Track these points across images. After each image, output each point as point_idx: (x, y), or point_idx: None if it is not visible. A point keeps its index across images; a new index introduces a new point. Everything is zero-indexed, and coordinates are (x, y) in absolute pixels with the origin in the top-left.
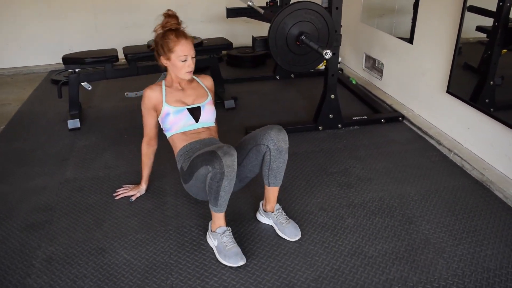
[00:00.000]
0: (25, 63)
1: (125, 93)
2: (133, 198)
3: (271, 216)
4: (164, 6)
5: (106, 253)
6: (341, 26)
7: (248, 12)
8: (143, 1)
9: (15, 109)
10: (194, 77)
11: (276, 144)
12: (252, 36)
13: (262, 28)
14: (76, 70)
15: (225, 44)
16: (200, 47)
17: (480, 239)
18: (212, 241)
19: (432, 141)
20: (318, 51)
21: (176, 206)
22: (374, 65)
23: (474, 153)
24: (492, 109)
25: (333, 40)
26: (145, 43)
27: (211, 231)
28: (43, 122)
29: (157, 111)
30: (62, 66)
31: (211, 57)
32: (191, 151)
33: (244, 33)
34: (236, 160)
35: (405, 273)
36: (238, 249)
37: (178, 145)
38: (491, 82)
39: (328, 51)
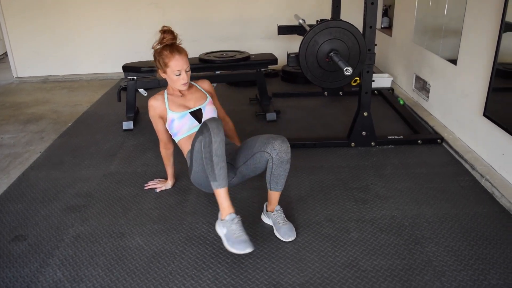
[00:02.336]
0: (102, 70)
1: None
2: (158, 190)
3: (270, 216)
4: (229, 22)
5: (124, 237)
6: (376, 45)
7: (299, 30)
8: (208, 16)
9: (84, 109)
10: (192, 83)
11: (278, 154)
12: (287, 52)
13: None
14: (134, 77)
15: (270, 59)
16: (246, 61)
17: (488, 267)
18: (221, 230)
19: (466, 166)
20: (340, 66)
21: (196, 204)
22: (424, 86)
23: (507, 180)
24: None
25: (364, 58)
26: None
27: (221, 219)
28: (103, 122)
29: (163, 118)
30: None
31: (258, 71)
32: None
33: (284, 49)
34: (221, 126)
35: None
36: (247, 237)
37: (185, 148)
38: None
39: (349, 68)
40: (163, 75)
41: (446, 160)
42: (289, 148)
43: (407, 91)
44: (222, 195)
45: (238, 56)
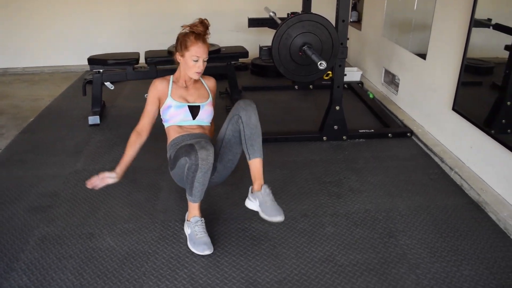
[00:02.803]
0: (64, 62)
1: (145, 95)
2: (99, 185)
3: (257, 195)
4: (198, 14)
5: (94, 238)
6: (348, 39)
7: (269, 22)
8: (178, 9)
9: (46, 104)
10: (199, 78)
11: (245, 110)
12: (259, 45)
13: None
14: (100, 70)
15: (241, 52)
16: (217, 54)
17: (460, 259)
18: (186, 230)
19: (436, 158)
20: (313, 60)
21: (167, 201)
22: (392, 80)
23: (475, 172)
24: (493, 131)
25: (337, 52)
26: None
27: (187, 220)
28: (67, 117)
29: (160, 101)
30: None
31: (228, 64)
32: (182, 143)
33: (269, 42)
34: (211, 155)
35: (371, 285)
36: (207, 239)
37: (172, 135)
38: (508, 103)
39: (323, 62)
40: (179, 59)
41: (415, 153)
42: (255, 107)
43: (376, 85)
44: (193, 206)
45: (210, 49)
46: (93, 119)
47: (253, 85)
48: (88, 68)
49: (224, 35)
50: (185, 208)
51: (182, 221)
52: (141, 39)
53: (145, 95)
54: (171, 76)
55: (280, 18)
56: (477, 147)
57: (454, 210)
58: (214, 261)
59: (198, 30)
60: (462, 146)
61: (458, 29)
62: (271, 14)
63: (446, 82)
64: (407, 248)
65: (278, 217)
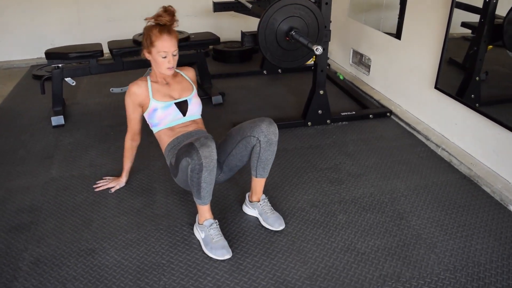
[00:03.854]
0: (5, 57)
1: (110, 89)
2: (112, 190)
3: (256, 206)
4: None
5: (95, 254)
6: (331, 22)
7: (235, 6)
8: None
9: None
10: (177, 71)
11: (266, 136)
12: (241, 31)
13: (248, 23)
14: (60, 65)
15: (212, 39)
16: (187, 42)
17: (470, 233)
18: (199, 234)
19: (420, 137)
20: (308, 46)
21: (166, 204)
22: (361, 61)
23: (462, 148)
24: (477, 105)
25: (322, 35)
26: (130, 37)
27: (198, 223)
28: (25, 120)
29: (143, 106)
30: (44, 61)
31: (198, 52)
32: (179, 145)
33: (231, 27)
34: (214, 150)
35: (397, 269)
36: (224, 242)
37: (165, 140)
38: (477, 78)
39: (319, 47)
40: (147, 56)
41: (399, 133)
42: (277, 129)
43: (344, 66)
44: (204, 209)
45: (179, 36)
46: (57, 120)
47: (220, 72)
48: (34, 62)
49: (181, 20)
50: (188, 210)
51: (189, 224)
52: (87, 28)
53: (111, 89)
54: (147, 77)
55: (250, 2)
56: (462, 123)
57: (451, 187)
58: (237, 264)
59: (163, 21)
60: (447, 123)
61: (437, 7)
62: None
63: (426, 61)
64: (420, 228)
65: (280, 227)
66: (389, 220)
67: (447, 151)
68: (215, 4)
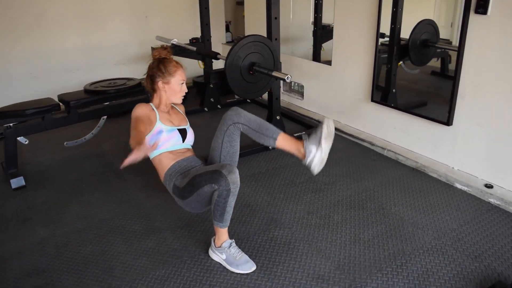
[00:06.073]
0: None
1: (65, 143)
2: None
3: (224, 251)
4: (77, 51)
5: None
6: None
7: (174, 50)
8: (53, 49)
9: None
10: (172, 105)
11: (237, 114)
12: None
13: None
14: (11, 124)
15: None
16: (138, 88)
17: (437, 209)
18: (219, 256)
19: (365, 144)
20: (279, 76)
21: (178, 238)
22: (291, 88)
23: (403, 147)
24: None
25: (277, 66)
26: (54, 93)
27: (216, 247)
28: None
29: (150, 125)
30: None
31: (148, 96)
32: (181, 169)
33: None
34: (238, 177)
35: (399, 246)
36: (246, 257)
37: (166, 164)
38: (393, 90)
39: (289, 76)
40: (162, 86)
41: (346, 144)
42: (239, 108)
43: None
44: (223, 231)
45: (131, 83)
46: (17, 182)
47: None
48: None
49: (109, 69)
50: (201, 239)
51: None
52: (14, 85)
53: (66, 143)
54: (150, 103)
55: (191, 44)
56: (400, 126)
57: (406, 178)
58: (269, 272)
59: (169, 55)
60: (386, 128)
61: (365, 36)
62: (175, 41)
63: (360, 81)
64: (400, 213)
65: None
66: (374, 212)
67: (393, 151)
68: (153, 49)
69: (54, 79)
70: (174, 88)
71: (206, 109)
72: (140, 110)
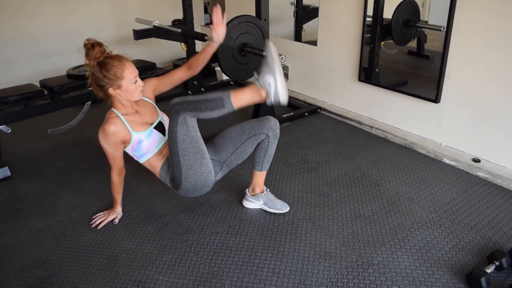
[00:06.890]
0: None
1: (49, 130)
2: (116, 221)
3: (261, 196)
4: (47, 38)
5: (144, 283)
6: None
7: (156, 32)
8: (20, 34)
9: None
10: None
11: (274, 131)
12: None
13: (150, 50)
14: None
15: (149, 65)
16: None
17: (429, 183)
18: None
19: (353, 123)
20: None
21: (181, 222)
22: None
23: (391, 125)
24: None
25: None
26: (34, 78)
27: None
28: None
29: (125, 142)
30: None
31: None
32: (173, 163)
33: (138, 55)
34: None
35: (399, 221)
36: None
37: (157, 165)
38: (377, 70)
39: (283, 56)
40: (115, 92)
41: (335, 123)
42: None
43: None
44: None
45: None
46: (2, 172)
47: None
48: None
49: None
50: (205, 222)
51: (216, 233)
52: None
53: (49, 130)
54: (115, 113)
55: (173, 26)
56: (387, 105)
57: (396, 155)
58: (277, 250)
59: (104, 52)
60: (373, 107)
61: (353, 17)
62: (156, 23)
63: (347, 61)
64: (395, 189)
65: (287, 208)
66: (370, 189)
67: (381, 129)
68: (137, 32)
69: (29, 65)
70: (128, 89)
71: (189, 92)
72: (106, 138)
